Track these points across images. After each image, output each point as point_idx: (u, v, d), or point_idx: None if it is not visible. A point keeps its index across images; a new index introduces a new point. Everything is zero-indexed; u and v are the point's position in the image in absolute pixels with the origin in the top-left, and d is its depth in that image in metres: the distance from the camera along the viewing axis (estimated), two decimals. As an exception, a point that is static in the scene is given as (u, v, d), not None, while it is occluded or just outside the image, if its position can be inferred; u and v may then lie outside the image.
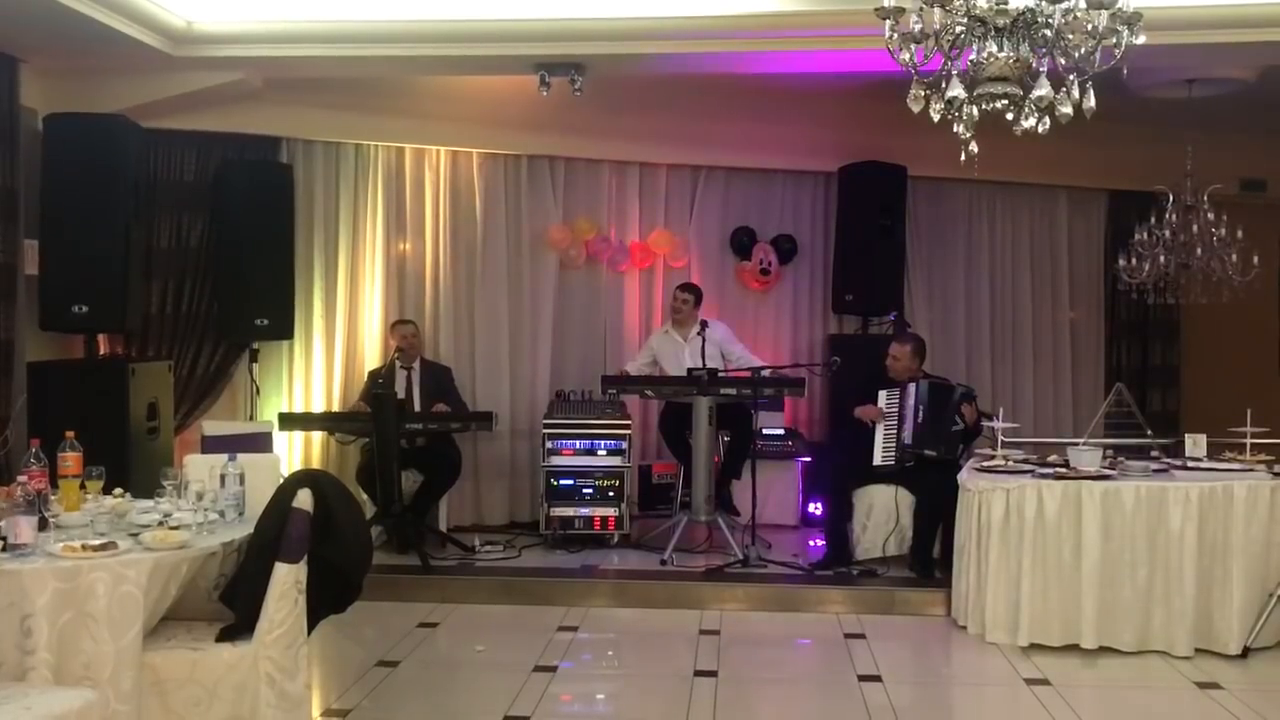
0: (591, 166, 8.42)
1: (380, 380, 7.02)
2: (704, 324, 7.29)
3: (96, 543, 3.57)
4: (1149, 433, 6.36)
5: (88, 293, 6.34)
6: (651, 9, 6.02)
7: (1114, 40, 3.63)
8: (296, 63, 6.53)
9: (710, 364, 7.13)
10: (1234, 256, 7.61)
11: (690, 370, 7.16)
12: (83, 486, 4.11)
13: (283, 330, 7.45)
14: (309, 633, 3.90)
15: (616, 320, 8.46)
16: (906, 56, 3.69)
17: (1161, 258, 7.77)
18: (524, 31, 6.22)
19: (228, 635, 3.74)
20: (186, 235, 7.30)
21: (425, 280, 8.07)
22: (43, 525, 3.74)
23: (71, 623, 3.40)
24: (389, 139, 7.93)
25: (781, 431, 8.11)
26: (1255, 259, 7.50)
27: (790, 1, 5.87)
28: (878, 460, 6.71)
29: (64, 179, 6.35)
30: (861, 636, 5.74)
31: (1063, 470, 5.67)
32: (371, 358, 7.85)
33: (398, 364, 7.30)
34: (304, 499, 3.74)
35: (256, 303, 7.27)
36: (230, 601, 3.81)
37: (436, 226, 8.08)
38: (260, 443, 6.94)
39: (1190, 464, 5.80)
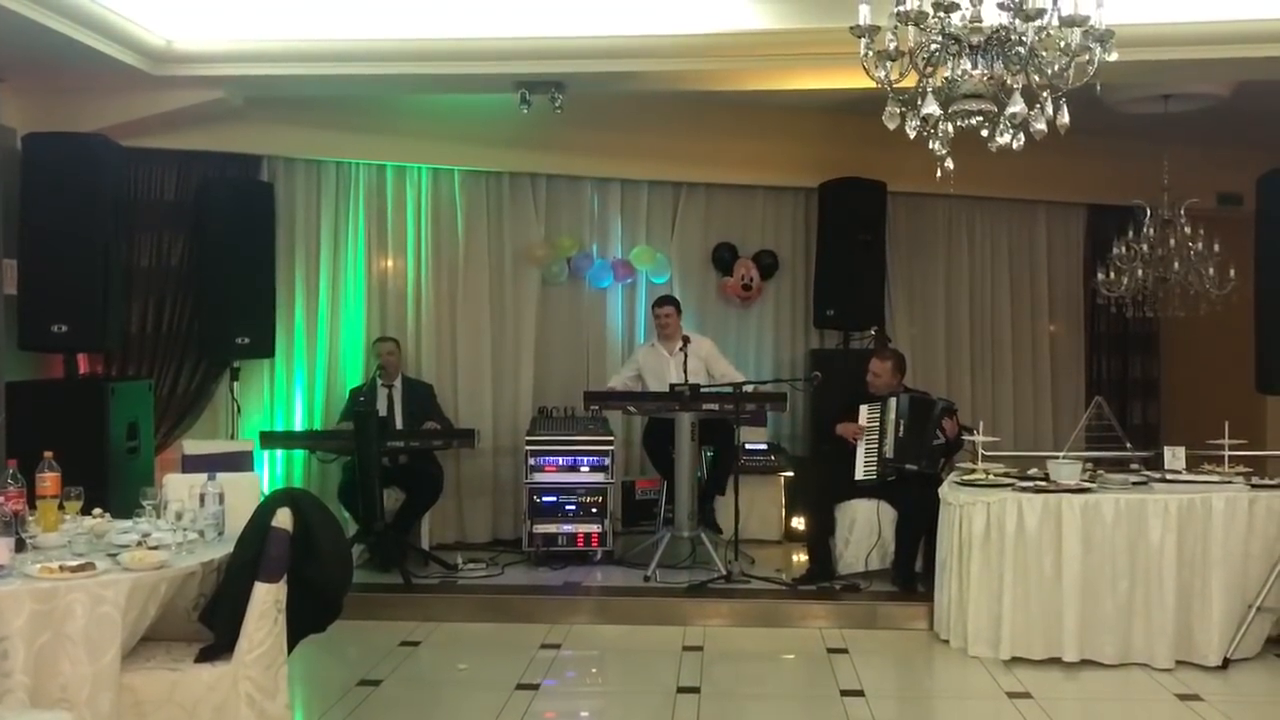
0: (573, 183, 8.44)
1: (362, 398, 7.01)
2: (686, 339, 7.30)
3: (74, 563, 3.55)
4: (1128, 445, 6.40)
5: (67, 312, 6.30)
6: (631, 28, 6.05)
7: (1087, 57, 3.67)
8: (277, 81, 6.54)
9: (693, 379, 7.13)
10: (1211, 270, 7.67)
11: (672, 386, 7.17)
12: (61, 507, 4.08)
13: (264, 349, 7.43)
14: (289, 652, 3.88)
15: (599, 336, 8.48)
16: (882, 74, 3.72)
17: (1139, 271, 7.84)
18: (505, 50, 6.24)
19: (207, 655, 3.73)
20: (167, 254, 7.28)
21: (407, 298, 8.07)
22: (20, 546, 3.72)
23: (49, 644, 3.38)
24: (370, 157, 7.92)
25: (764, 446, 8.13)
26: (1232, 272, 7.56)
27: (768, 20, 5.91)
28: (859, 475, 6.72)
29: (43, 198, 6.32)
30: (844, 651, 5.75)
31: (1043, 483, 5.70)
32: (353, 376, 7.83)
33: (379, 382, 7.30)
34: (283, 518, 3.73)
35: (237, 321, 7.24)
36: (210, 622, 3.79)
37: (418, 244, 8.09)
38: (241, 461, 6.91)
39: (1169, 476, 5.82)
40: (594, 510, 7.20)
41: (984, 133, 3.75)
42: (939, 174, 3.86)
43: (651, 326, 8.03)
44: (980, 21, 3.57)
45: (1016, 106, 3.57)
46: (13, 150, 6.42)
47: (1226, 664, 5.37)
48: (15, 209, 6.32)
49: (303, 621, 3.97)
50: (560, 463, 7.25)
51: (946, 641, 5.79)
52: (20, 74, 6.28)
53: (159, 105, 6.76)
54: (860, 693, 5.10)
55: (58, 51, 5.82)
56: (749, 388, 7.23)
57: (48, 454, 4.08)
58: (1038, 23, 3.58)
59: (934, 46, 3.65)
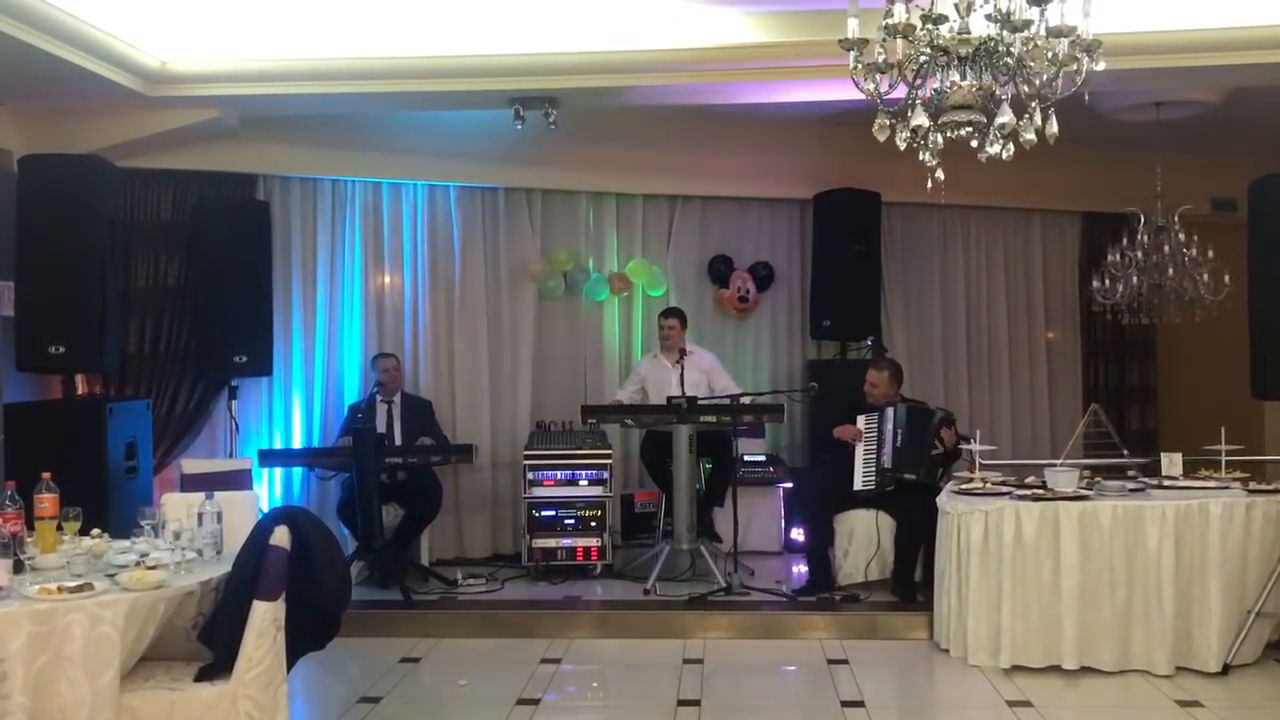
0: (568, 198, 8.46)
1: (360, 415, 7.02)
2: (684, 351, 7.31)
3: (73, 584, 3.56)
4: (1125, 452, 6.41)
5: (65, 333, 6.31)
6: (623, 43, 6.08)
7: (1075, 67, 3.70)
8: (272, 100, 6.56)
9: (692, 391, 7.15)
10: (1206, 276, 7.68)
11: (670, 398, 7.17)
12: (60, 528, 4.09)
13: (261, 367, 7.45)
14: (289, 670, 3.89)
15: (596, 350, 8.49)
16: (871, 87, 3.75)
17: (1134, 278, 7.84)
18: (498, 66, 6.27)
19: (206, 675, 3.73)
20: (164, 274, 7.31)
21: (404, 314, 8.09)
22: (19, 568, 3.73)
23: (48, 666, 3.38)
24: (366, 174, 7.95)
25: (763, 458, 8.13)
26: (1226, 278, 7.57)
27: (758, 34, 5.94)
28: (858, 485, 6.74)
29: (40, 220, 6.32)
30: (845, 662, 5.75)
31: (1040, 491, 5.70)
32: (351, 393, 7.85)
33: (378, 398, 7.31)
34: (281, 536, 3.74)
35: (235, 340, 7.26)
36: (209, 640, 3.80)
37: (415, 260, 8.11)
38: (240, 480, 6.92)
39: (1166, 483, 5.83)
40: (593, 524, 7.20)
41: (973, 143, 3.77)
42: (929, 184, 3.88)
43: (652, 338, 8.04)
44: (968, 33, 3.59)
45: (1005, 117, 3.59)
46: (9, 172, 6.44)
47: (1226, 670, 5.37)
48: (12, 231, 6.34)
49: (302, 639, 3.98)
50: (559, 477, 7.25)
51: (947, 651, 5.78)
52: (16, 96, 6.31)
53: (154, 126, 6.79)
54: (861, 703, 5.09)
55: (53, 74, 5.85)
56: (746, 399, 7.24)
57: (46, 475, 4.10)
58: (1025, 33, 3.61)
59: (923, 58, 3.67)
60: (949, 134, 3.72)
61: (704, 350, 7.80)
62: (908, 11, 3.62)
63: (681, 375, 7.16)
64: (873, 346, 8.24)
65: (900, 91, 3.77)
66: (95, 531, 4.19)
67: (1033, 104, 3.72)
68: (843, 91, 4.22)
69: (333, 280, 7.91)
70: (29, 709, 3.32)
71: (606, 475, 7.27)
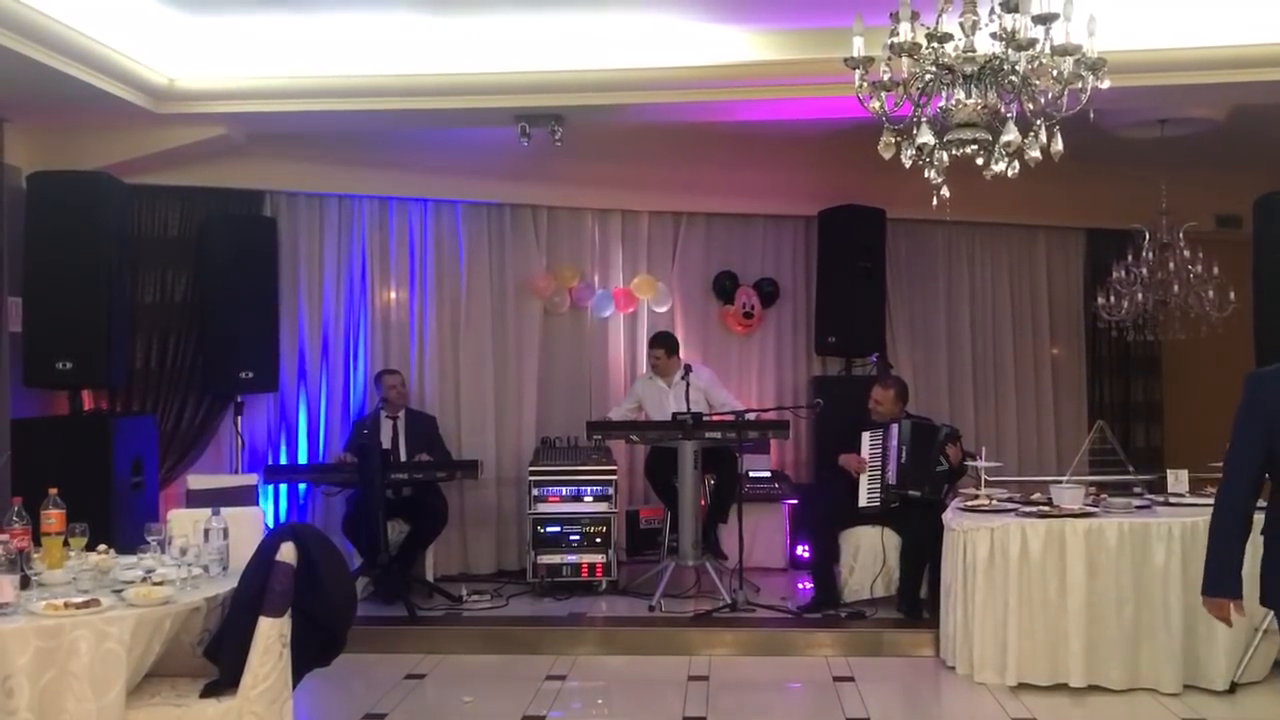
0: (574, 214, 8.49)
1: (365, 430, 7.03)
2: (687, 368, 7.32)
3: (79, 600, 3.56)
4: (1131, 469, 6.40)
5: (72, 349, 6.32)
6: (628, 61, 6.10)
7: (1080, 85, 3.71)
8: (279, 118, 6.58)
9: (694, 408, 7.15)
10: (1211, 292, 7.67)
11: (675, 415, 7.17)
12: (66, 543, 4.10)
13: (267, 383, 7.46)
14: (294, 686, 3.89)
15: (601, 366, 8.50)
16: (876, 104, 3.77)
17: (1139, 295, 7.84)
18: (503, 84, 6.28)
19: (212, 691, 3.73)
20: (171, 290, 7.33)
21: (410, 330, 8.11)
22: (25, 584, 3.74)
23: (54, 682, 3.39)
24: (372, 191, 7.98)
25: (768, 474, 8.13)
26: (1232, 294, 7.57)
27: (763, 52, 5.96)
28: (863, 502, 6.73)
29: (48, 236, 6.35)
30: (850, 679, 5.73)
31: (1046, 508, 5.69)
32: (356, 408, 7.86)
33: (383, 414, 7.32)
34: (287, 552, 3.74)
35: (241, 356, 7.27)
36: (214, 656, 3.80)
37: (420, 276, 8.13)
38: (246, 496, 6.92)
39: (1173, 499, 5.82)
40: (598, 540, 7.19)
41: (979, 161, 3.79)
42: (934, 201, 3.89)
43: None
44: (973, 51, 3.61)
45: (1010, 135, 3.61)
46: (18, 189, 6.46)
47: (1234, 688, 5.35)
48: (20, 247, 6.36)
49: (307, 655, 3.98)
50: (564, 493, 7.25)
51: (953, 668, 5.77)
52: (25, 113, 6.34)
53: (162, 143, 6.81)
54: (867, 721, 5.09)
55: (62, 91, 5.87)
56: (751, 415, 7.25)
57: (52, 490, 4.11)
58: (1030, 52, 3.62)
59: (928, 77, 3.69)
60: (954, 152, 3.73)
61: (702, 366, 7.80)
62: (913, 30, 3.64)
63: (687, 392, 7.16)
64: (878, 363, 8.24)
65: (906, 110, 3.78)
66: (101, 547, 4.19)
67: (1038, 122, 3.74)
68: (849, 108, 4.23)
69: (339, 296, 7.93)
70: (35, 725, 3.32)
71: (611, 491, 7.27)
